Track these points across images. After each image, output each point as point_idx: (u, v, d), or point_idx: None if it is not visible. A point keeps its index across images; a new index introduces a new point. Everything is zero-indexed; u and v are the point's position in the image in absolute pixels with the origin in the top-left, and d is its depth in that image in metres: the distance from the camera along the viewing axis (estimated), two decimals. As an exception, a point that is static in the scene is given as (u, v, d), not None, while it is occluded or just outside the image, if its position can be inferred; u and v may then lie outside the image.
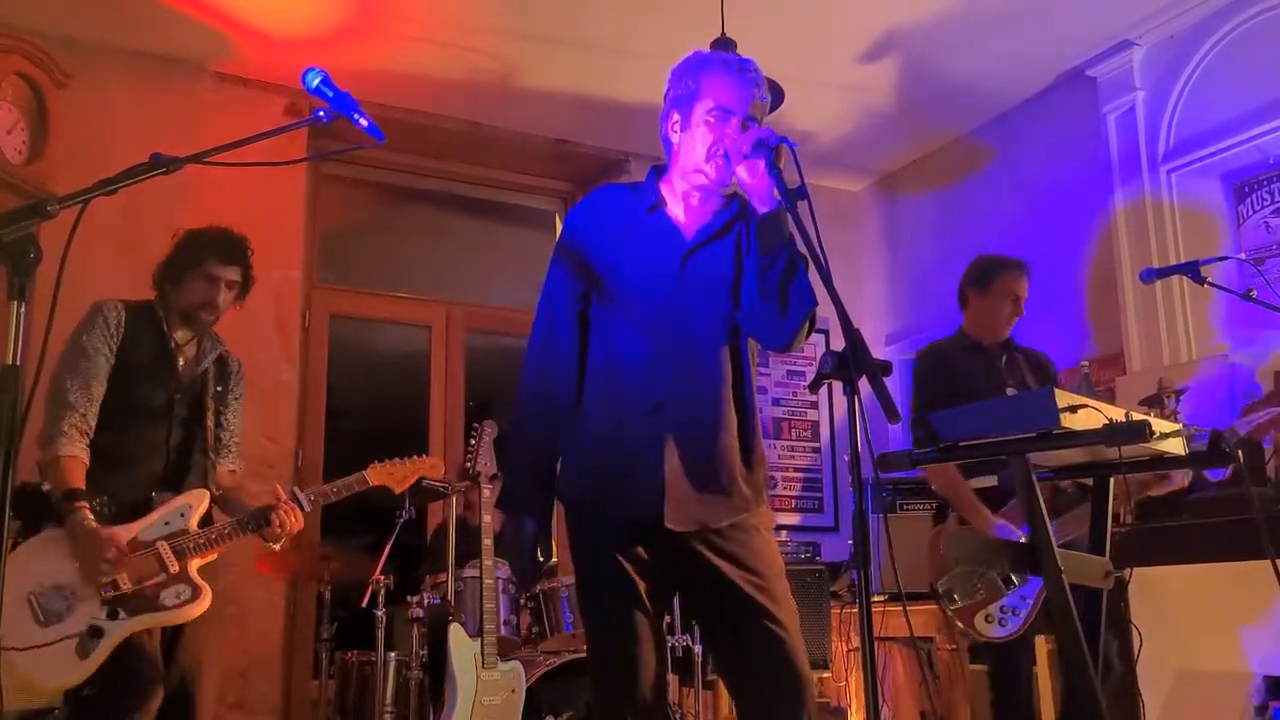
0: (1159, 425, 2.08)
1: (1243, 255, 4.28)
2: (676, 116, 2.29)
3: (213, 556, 2.86)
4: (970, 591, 3.36)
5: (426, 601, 3.78)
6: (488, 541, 3.70)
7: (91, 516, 2.70)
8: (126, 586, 2.71)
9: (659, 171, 2.36)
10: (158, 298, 3.03)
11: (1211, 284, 3.38)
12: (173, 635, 2.83)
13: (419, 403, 5.75)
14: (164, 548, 2.78)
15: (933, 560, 3.47)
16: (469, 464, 3.82)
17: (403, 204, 6.30)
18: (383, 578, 3.80)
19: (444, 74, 5.12)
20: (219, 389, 3.07)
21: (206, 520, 2.94)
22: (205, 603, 2.79)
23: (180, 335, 3.01)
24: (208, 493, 2.95)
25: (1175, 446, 2.22)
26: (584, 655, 3.82)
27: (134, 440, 2.89)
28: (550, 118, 5.57)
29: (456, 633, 3.62)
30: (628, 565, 2.18)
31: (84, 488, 2.73)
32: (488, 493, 3.77)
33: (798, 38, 4.79)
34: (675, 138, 2.30)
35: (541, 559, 2.31)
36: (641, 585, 2.18)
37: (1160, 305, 4.63)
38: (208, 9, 4.55)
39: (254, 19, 4.63)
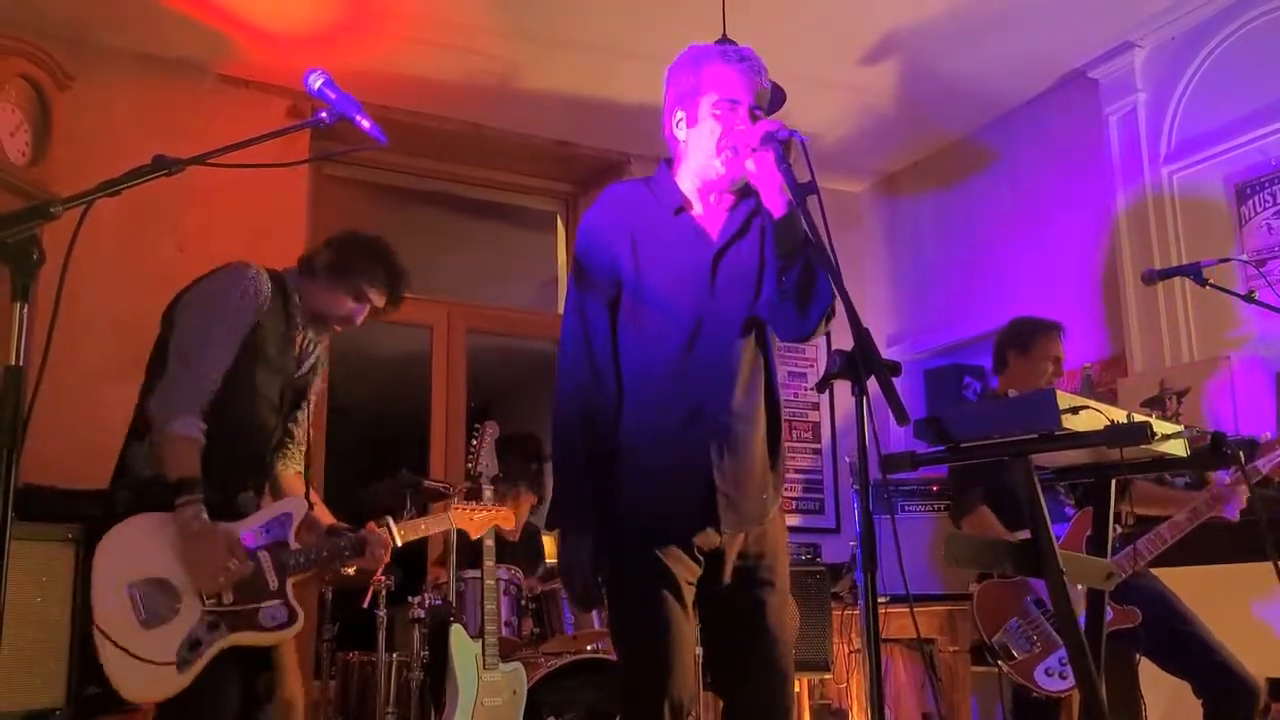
0: (1161, 427, 2.08)
1: (1245, 257, 4.28)
2: (680, 114, 2.28)
3: (302, 576, 2.60)
4: (1026, 645, 3.35)
5: (428, 602, 3.78)
6: (489, 543, 3.70)
7: (205, 512, 2.40)
8: (229, 599, 2.43)
9: (669, 167, 2.34)
10: (298, 275, 2.73)
11: (1213, 285, 3.38)
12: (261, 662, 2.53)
13: (420, 403, 5.75)
14: (266, 560, 2.51)
15: (983, 616, 3.43)
16: (470, 465, 3.81)
17: (404, 205, 6.31)
18: (384, 579, 3.80)
19: (445, 76, 5.12)
20: (312, 379, 2.80)
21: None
22: (299, 627, 2.51)
23: (304, 325, 2.74)
24: (306, 503, 2.67)
25: (1177, 448, 2.22)
26: (585, 657, 3.84)
27: (242, 430, 2.59)
28: (551, 119, 5.58)
29: (458, 634, 3.62)
30: (675, 567, 2.18)
31: (199, 474, 2.42)
32: (489, 494, 3.77)
33: (799, 38, 4.79)
34: (681, 134, 2.28)
35: (601, 578, 2.22)
36: (685, 588, 2.19)
37: (1162, 307, 4.63)
38: (210, 11, 4.55)
39: (256, 21, 4.63)
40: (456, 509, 3.12)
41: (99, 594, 2.35)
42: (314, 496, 2.80)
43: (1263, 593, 3.51)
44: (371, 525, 2.71)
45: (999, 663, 3.37)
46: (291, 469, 2.79)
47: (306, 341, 2.75)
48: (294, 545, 2.57)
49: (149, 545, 2.39)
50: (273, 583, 2.50)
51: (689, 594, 2.20)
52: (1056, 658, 3.31)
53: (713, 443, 2.20)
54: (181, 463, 2.41)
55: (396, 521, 2.82)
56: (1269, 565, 2.25)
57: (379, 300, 2.76)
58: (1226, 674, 3.18)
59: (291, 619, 2.50)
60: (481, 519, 3.25)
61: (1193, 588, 3.47)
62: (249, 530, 2.52)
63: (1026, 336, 3.66)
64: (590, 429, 2.22)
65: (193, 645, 2.36)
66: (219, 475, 2.49)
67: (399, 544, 2.74)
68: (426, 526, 2.94)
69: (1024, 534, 3.30)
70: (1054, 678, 3.30)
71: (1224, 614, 3.49)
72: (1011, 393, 3.62)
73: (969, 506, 3.49)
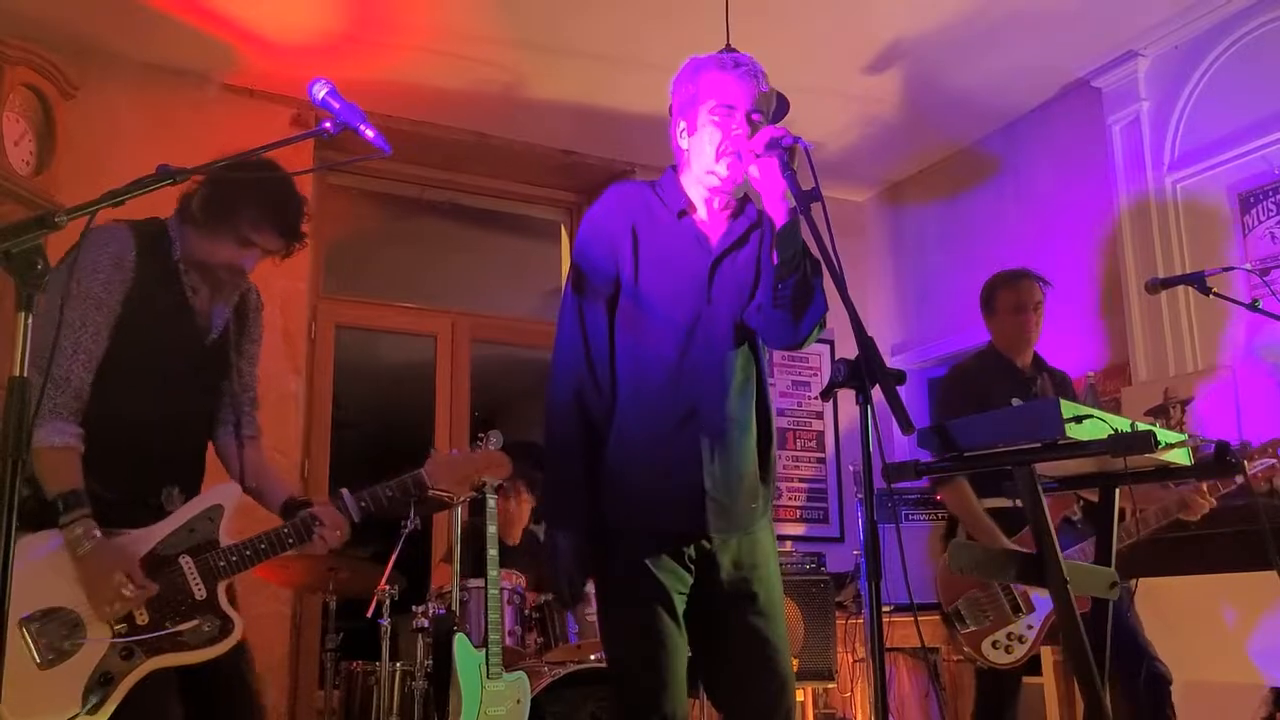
0: (1164, 436, 2.07)
1: (1248, 265, 4.27)
2: (683, 124, 2.33)
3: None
4: (980, 616, 3.41)
5: (432, 612, 3.78)
6: (493, 552, 3.70)
7: (97, 528, 2.09)
8: (142, 619, 2.12)
9: (675, 173, 2.38)
10: (178, 219, 2.28)
11: (1217, 294, 3.38)
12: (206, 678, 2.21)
13: (424, 413, 5.75)
14: (189, 566, 2.18)
15: (945, 583, 3.49)
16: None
17: (408, 214, 6.32)
18: (388, 588, 3.80)
19: (449, 85, 5.13)
20: (237, 338, 2.42)
21: None
22: (235, 638, 2.21)
23: (193, 280, 2.31)
24: (240, 489, 2.35)
25: (1181, 457, 2.21)
26: (588, 666, 3.83)
27: (144, 417, 2.22)
28: (556, 128, 5.59)
29: (462, 643, 3.62)
30: (666, 578, 2.18)
31: (82, 486, 2.10)
32: (493, 503, 3.76)
33: (803, 48, 4.80)
34: (684, 143, 2.33)
35: (582, 577, 2.21)
36: (676, 599, 2.19)
37: (1166, 315, 4.62)
38: (215, 20, 4.56)
39: (260, 30, 4.65)
40: (431, 462, 2.53)
41: None
42: (272, 461, 2.45)
43: (1266, 602, 3.50)
44: (325, 503, 2.36)
45: (952, 631, 3.46)
46: (232, 436, 2.44)
47: (208, 300, 2.34)
48: (225, 543, 2.23)
49: (43, 569, 2.06)
50: (199, 592, 2.17)
51: (680, 605, 2.20)
52: (1005, 633, 3.40)
53: (705, 446, 2.21)
54: (59, 476, 2.09)
55: (353, 492, 2.41)
56: (1272, 575, 2.23)
57: (269, 243, 2.28)
58: (1143, 659, 3.21)
59: (223, 631, 2.19)
60: (465, 469, 2.60)
61: (1197, 597, 3.46)
62: (168, 534, 2.20)
63: (987, 296, 3.75)
64: (585, 429, 2.24)
65: (103, 680, 2.06)
66: (125, 477, 2.20)
67: (356, 518, 2.36)
68: (393, 493, 2.42)
69: (993, 501, 3.35)
70: (1000, 650, 3.40)
71: (1227, 623, 3.48)
72: (1014, 402, 3.62)
73: (948, 477, 3.51)
